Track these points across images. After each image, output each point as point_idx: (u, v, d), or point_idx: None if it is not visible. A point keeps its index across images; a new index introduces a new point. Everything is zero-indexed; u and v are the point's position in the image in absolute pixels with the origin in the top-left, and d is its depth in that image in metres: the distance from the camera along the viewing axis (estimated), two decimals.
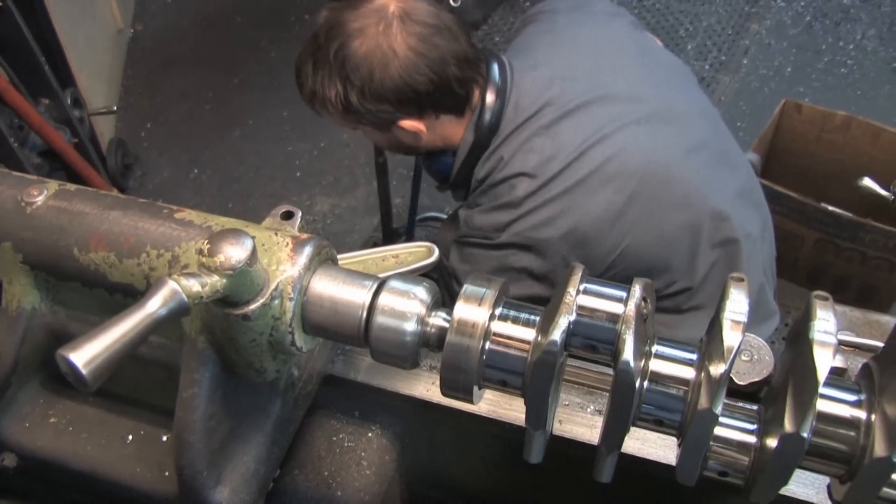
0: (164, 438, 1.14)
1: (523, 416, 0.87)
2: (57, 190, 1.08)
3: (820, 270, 3.10)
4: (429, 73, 1.81)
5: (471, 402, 0.93)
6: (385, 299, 0.93)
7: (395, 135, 1.95)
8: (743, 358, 1.18)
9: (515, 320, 0.89)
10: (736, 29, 4.34)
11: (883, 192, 2.75)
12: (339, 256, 1.06)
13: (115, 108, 4.03)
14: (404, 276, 0.96)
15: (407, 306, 0.92)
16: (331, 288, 0.95)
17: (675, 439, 0.87)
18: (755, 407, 0.88)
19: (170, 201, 1.08)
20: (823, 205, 2.88)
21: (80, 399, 1.19)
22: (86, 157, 3.39)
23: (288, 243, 0.96)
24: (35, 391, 1.20)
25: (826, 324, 0.79)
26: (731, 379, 1.15)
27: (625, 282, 0.88)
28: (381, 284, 0.94)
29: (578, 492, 1.36)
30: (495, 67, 1.93)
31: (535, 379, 0.85)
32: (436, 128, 1.93)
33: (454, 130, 1.95)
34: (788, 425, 0.76)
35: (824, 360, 0.76)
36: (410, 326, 0.91)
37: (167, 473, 1.10)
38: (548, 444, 0.90)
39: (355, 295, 0.94)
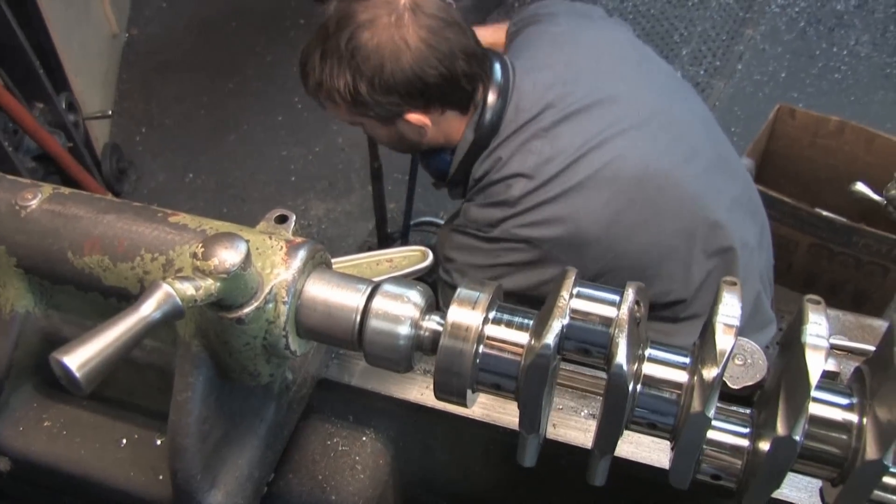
0: (159, 442, 1.14)
1: (517, 419, 0.88)
2: (51, 194, 1.08)
3: (814, 275, 3.11)
4: (439, 67, 1.82)
5: (464, 405, 0.93)
6: (379, 303, 0.93)
7: (399, 129, 1.95)
8: (736, 362, 1.19)
9: (509, 324, 0.89)
10: (730, 34, 4.35)
11: (876, 197, 2.76)
12: (333, 260, 1.06)
13: (109, 112, 4.02)
14: (398, 280, 0.96)
15: (401, 310, 0.92)
16: (325, 291, 0.95)
17: (668, 443, 0.87)
18: (748, 410, 0.88)
19: (165, 206, 1.08)
20: (817, 210, 2.90)
21: (73, 403, 1.19)
22: (80, 161, 3.38)
23: (282, 247, 0.96)
24: (29, 395, 1.19)
25: (818, 327, 0.79)
26: (725, 383, 1.15)
27: (617, 287, 0.88)
28: (375, 288, 0.95)
29: (572, 495, 1.36)
30: (497, 67, 1.93)
31: (529, 382, 0.85)
32: (440, 123, 1.93)
33: (457, 127, 1.95)
34: (781, 428, 0.77)
35: (816, 364, 0.77)
36: (404, 330, 0.91)
37: (161, 477, 1.10)
38: (541, 447, 0.90)
39: (349, 298, 0.94)
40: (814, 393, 0.76)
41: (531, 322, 0.89)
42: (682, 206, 1.86)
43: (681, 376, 0.84)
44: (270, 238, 0.98)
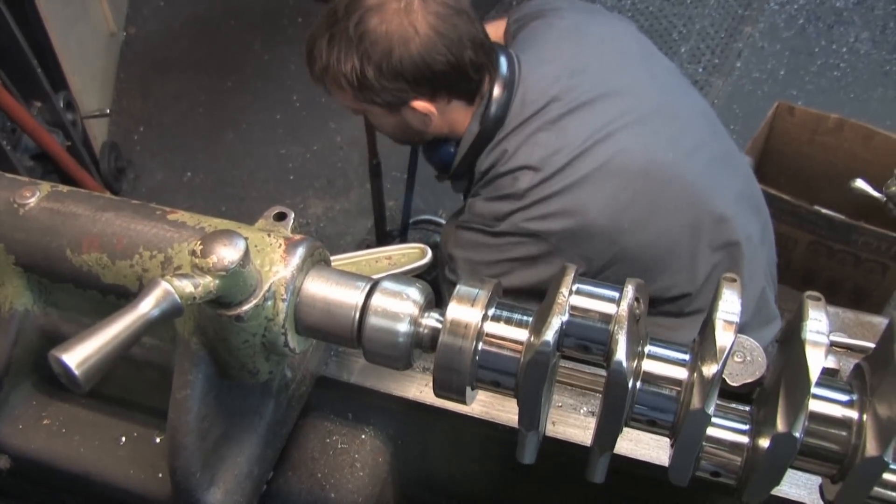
0: (158, 440, 1.14)
1: (516, 417, 0.87)
2: (49, 191, 1.07)
3: (813, 273, 3.11)
4: (447, 54, 1.82)
5: (464, 402, 0.93)
6: (378, 300, 0.93)
7: (404, 117, 1.94)
8: (736, 359, 1.19)
9: (508, 321, 0.89)
10: (729, 32, 4.35)
11: (875, 194, 2.76)
12: (332, 258, 1.06)
13: (107, 111, 4.01)
14: (397, 278, 0.96)
15: (400, 307, 0.92)
16: (323, 289, 0.95)
17: (667, 440, 0.87)
18: (747, 407, 0.88)
19: (163, 204, 1.07)
20: (816, 207, 2.89)
21: (73, 401, 1.19)
22: (79, 160, 3.38)
23: (281, 244, 0.96)
24: (28, 393, 1.19)
25: (818, 324, 0.79)
26: (724, 380, 1.15)
27: (622, 281, 0.88)
28: (374, 285, 0.94)
29: (571, 493, 1.36)
30: (503, 60, 1.93)
31: (528, 379, 0.85)
32: (445, 113, 1.93)
33: (462, 119, 1.95)
34: (780, 425, 0.77)
35: (816, 361, 0.77)
36: (403, 327, 0.91)
37: (160, 475, 1.10)
38: (541, 445, 0.90)
39: (348, 296, 0.94)
40: (814, 389, 0.76)
41: (530, 319, 0.89)
42: (688, 199, 1.86)
43: (680, 373, 0.84)
44: (269, 235, 0.97)
